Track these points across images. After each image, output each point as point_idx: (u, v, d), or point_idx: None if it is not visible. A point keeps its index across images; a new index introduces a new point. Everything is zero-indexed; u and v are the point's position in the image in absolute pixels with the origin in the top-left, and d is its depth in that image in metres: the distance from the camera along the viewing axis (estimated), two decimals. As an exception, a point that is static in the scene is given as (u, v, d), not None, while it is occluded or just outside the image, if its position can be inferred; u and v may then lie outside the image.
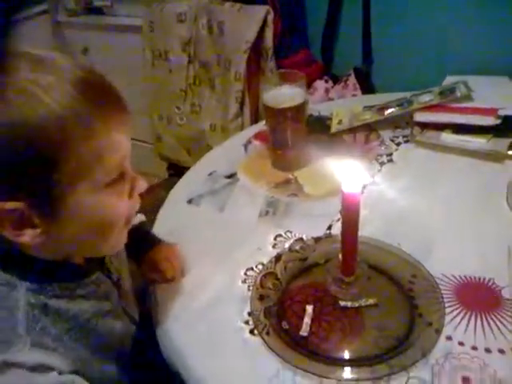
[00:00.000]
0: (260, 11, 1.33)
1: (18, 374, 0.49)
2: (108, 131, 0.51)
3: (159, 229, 0.89)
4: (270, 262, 0.77)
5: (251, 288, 0.73)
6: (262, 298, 0.71)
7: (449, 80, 1.14)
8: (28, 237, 0.50)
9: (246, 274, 0.76)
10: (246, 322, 0.68)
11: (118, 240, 0.61)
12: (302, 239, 0.82)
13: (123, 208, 0.56)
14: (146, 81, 1.66)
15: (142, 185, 0.59)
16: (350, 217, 0.63)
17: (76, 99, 0.48)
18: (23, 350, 0.50)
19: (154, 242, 0.82)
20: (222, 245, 0.83)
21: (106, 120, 0.51)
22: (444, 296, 0.68)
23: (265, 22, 1.33)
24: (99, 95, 0.51)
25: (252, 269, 0.77)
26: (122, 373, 0.65)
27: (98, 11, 1.91)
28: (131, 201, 0.58)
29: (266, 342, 0.64)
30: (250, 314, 0.69)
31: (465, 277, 0.71)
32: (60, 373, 0.52)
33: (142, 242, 0.81)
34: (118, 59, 1.88)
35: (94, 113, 0.49)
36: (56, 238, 0.53)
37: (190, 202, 0.95)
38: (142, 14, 1.61)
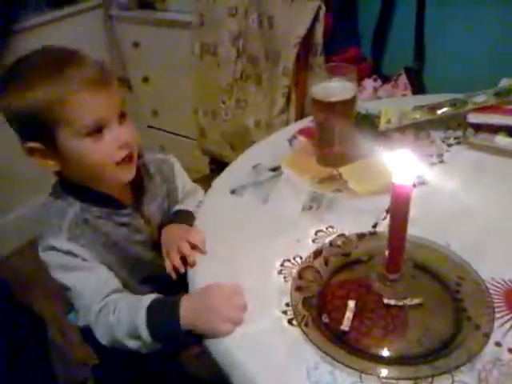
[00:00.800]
0: (312, 6, 1.32)
1: (57, 255, 0.76)
2: (81, 102, 0.73)
3: (201, 216, 0.90)
4: (309, 256, 0.75)
5: (287, 279, 0.72)
6: (300, 288, 0.69)
7: (504, 82, 1.09)
8: (50, 165, 0.78)
9: (282, 265, 0.75)
10: (284, 312, 0.67)
11: (120, 174, 0.80)
12: (344, 235, 0.80)
13: (102, 152, 0.76)
14: (193, 75, 1.68)
15: (121, 135, 0.77)
16: (400, 209, 0.61)
17: (60, 87, 0.72)
18: (63, 241, 0.77)
19: (177, 219, 0.92)
20: (262, 236, 0.82)
21: (81, 95, 0.73)
22: (493, 300, 0.65)
23: (316, 17, 1.32)
24: (80, 80, 0.73)
25: (289, 260, 0.76)
26: (147, 291, 0.78)
27: (150, 6, 1.94)
28: (114, 147, 0.77)
29: (305, 334, 0.62)
30: (287, 304, 0.68)
31: (516, 282, 0.68)
32: (83, 259, 0.77)
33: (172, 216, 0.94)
34: (168, 54, 1.92)
35: (71, 92, 0.72)
36: (70, 168, 0.78)
37: (233, 192, 0.95)
38: (192, 9, 1.63)
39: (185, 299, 0.70)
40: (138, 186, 0.89)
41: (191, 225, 0.87)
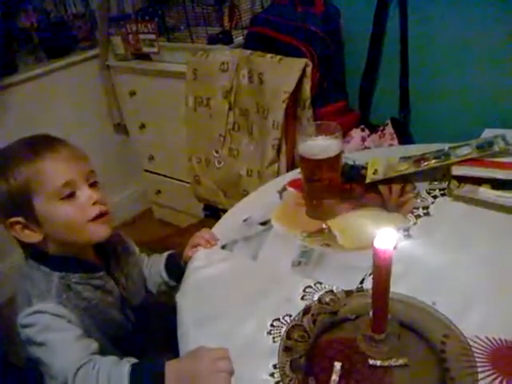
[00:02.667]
0: (299, 63, 1.38)
1: (45, 317, 0.78)
2: (52, 169, 0.82)
3: (191, 272, 0.92)
4: (298, 314, 0.76)
5: (276, 340, 0.73)
6: (288, 349, 0.70)
7: (487, 133, 1.13)
8: (32, 237, 0.84)
9: (272, 325, 0.76)
10: (272, 375, 0.68)
11: (96, 231, 0.86)
12: (332, 291, 0.81)
13: (76, 211, 0.83)
14: (187, 124, 1.72)
15: (92, 194, 0.85)
16: (382, 273, 0.63)
17: (34, 163, 0.81)
18: (51, 305, 0.80)
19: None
20: (252, 293, 0.84)
21: (52, 164, 0.82)
22: (477, 360, 0.66)
23: (303, 73, 1.37)
24: (50, 153, 0.83)
25: (279, 319, 0.77)
26: (117, 354, 0.79)
27: (146, 57, 2.01)
28: (87, 205, 0.84)
29: (292, 398, 0.63)
30: (275, 366, 0.69)
31: (500, 340, 0.69)
32: (69, 321, 0.80)
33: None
34: (162, 102, 1.97)
35: (43, 164, 0.82)
36: (49, 237, 0.84)
37: (223, 247, 0.97)
38: (186, 61, 1.69)
39: (169, 366, 0.70)
40: (105, 252, 0.95)
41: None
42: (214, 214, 1.81)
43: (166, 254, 1.06)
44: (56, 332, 0.78)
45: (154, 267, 1.05)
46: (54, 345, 0.77)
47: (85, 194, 0.84)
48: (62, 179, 0.82)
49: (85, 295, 0.86)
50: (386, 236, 0.61)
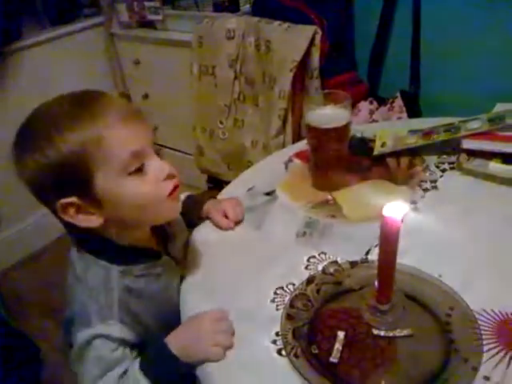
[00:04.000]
0: (308, 31, 1.34)
1: (107, 345, 0.67)
2: (117, 136, 0.66)
3: (194, 240, 0.91)
4: (302, 283, 0.76)
5: (279, 308, 0.72)
6: (291, 317, 0.70)
7: (499, 107, 1.10)
8: (90, 222, 0.68)
9: (275, 293, 0.76)
10: (274, 342, 0.67)
11: (170, 208, 0.74)
12: (336, 262, 0.80)
13: (150, 187, 0.69)
14: (192, 94, 1.70)
15: (164, 166, 0.71)
16: (389, 243, 0.62)
17: (93, 125, 0.65)
18: (116, 326, 0.68)
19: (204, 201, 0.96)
20: (255, 263, 0.83)
21: (115, 129, 0.66)
22: (483, 332, 0.65)
23: (312, 41, 1.33)
24: (112, 115, 0.67)
25: (282, 288, 0.76)
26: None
27: (150, 25, 1.97)
28: (159, 183, 0.70)
29: (293, 365, 0.63)
30: (277, 334, 0.68)
31: (506, 313, 0.68)
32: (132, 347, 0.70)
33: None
34: (167, 72, 1.94)
35: (105, 127, 0.65)
36: (112, 220, 0.69)
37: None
38: (191, 29, 1.66)
39: (170, 338, 0.69)
40: (158, 229, 0.82)
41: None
42: (217, 185, 1.80)
43: (183, 195, 0.93)
44: (109, 372, 0.67)
45: None
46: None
47: (155, 165, 0.69)
48: (130, 149, 0.66)
49: (147, 293, 0.74)
50: (396, 205, 0.60)
